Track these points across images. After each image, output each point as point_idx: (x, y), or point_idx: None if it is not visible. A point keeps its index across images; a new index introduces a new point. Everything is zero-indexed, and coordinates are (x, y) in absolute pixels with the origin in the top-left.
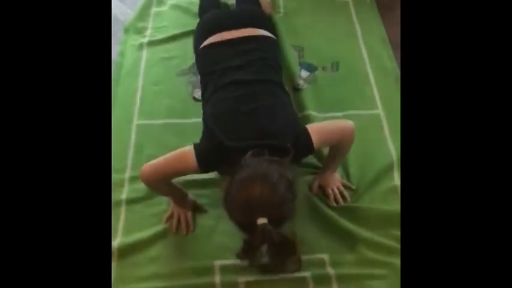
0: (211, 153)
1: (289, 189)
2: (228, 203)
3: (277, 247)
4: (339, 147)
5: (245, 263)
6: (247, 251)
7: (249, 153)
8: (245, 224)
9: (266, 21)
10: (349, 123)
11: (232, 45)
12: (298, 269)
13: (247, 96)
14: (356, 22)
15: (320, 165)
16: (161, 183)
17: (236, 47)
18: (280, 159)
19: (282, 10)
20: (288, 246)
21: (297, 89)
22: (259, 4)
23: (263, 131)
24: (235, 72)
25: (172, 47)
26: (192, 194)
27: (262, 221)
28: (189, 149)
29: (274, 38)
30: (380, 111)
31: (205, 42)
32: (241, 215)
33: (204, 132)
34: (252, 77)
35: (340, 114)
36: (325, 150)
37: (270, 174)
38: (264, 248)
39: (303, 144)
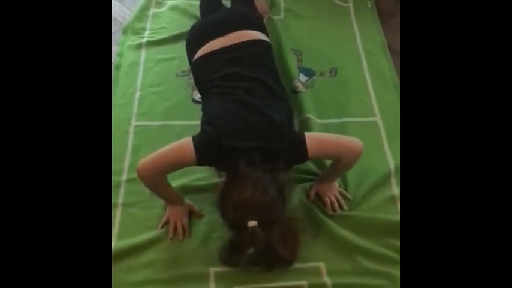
0: (209, 147)
1: (280, 192)
2: (222, 202)
3: (261, 253)
4: (338, 164)
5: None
6: (233, 253)
7: (242, 161)
8: (236, 224)
9: (255, 22)
10: (357, 144)
11: (223, 54)
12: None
13: (247, 98)
14: (356, 28)
15: (319, 172)
16: (160, 178)
17: (227, 54)
18: (272, 164)
19: (282, 13)
20: (272, 255)
21: (295, 92)
22: (252, 4)
23: (258, 133)
24: (231, 78)
25: (171, 49)
26: (188, 199)
27: (252, 223)
28: (187, 140)
29: (266, 40)
30: (378, 118)
31: (196, 56)
32: (234, 214)
33: (202, 127)
34: (250, 76)
35: (337, 121)
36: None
37: (262, 179)
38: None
39: (297, 151)
